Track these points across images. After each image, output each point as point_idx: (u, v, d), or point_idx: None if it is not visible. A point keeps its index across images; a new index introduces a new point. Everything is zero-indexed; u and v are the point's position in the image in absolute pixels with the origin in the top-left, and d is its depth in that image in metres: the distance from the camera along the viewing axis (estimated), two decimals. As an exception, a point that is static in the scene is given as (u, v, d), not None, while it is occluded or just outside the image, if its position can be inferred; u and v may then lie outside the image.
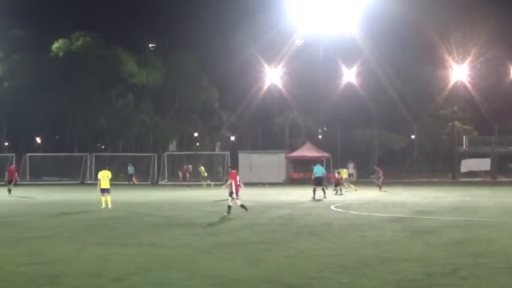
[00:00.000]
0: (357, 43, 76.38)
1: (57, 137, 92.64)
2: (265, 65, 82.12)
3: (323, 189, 40.96)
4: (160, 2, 79.10)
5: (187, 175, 62.60)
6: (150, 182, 68.47)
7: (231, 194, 28.81)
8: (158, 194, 48.83)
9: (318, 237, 20.41)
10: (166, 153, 75.82)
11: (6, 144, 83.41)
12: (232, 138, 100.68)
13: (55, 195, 45.77)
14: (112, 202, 31.98)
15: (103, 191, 32.61)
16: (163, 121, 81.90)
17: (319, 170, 42.26)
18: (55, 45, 79.24)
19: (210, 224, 24.50)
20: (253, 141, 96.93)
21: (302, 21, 72.10)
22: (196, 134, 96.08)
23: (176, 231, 22.30)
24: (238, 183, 29.28)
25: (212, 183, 56.98)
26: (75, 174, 69.13)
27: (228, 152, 73.08)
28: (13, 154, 71.43)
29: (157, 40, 79.50)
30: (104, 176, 32.81)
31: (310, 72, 76.70)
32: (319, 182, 41.56)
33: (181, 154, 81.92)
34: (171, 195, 46.94)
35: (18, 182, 55.34)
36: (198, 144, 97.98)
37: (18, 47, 76.52)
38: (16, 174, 47.76)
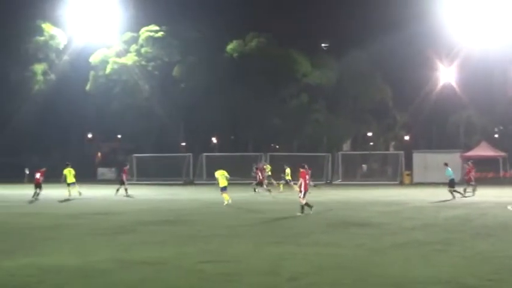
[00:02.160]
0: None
1: (232, 137, 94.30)
2: (439, 63, 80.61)
3: (451, 192, 39.54)
4: (331, 2, 79.10)
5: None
6: (324, 182, 68.63)
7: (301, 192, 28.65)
8: (332, 193, 48.83)
9: (495, 238, 19.90)
10: (340, 152, 75.72)
11: (184, 144, 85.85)
12: (407, 137, 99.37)
13: (233, 194, 46.68)
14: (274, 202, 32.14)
15: (222, 189, 34.67)
16: (337, 121, 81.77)
17: (450, 172, 40.78)
18: (230, 47, 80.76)
19: (384, 224, 24.31)
20: (427, 140, 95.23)
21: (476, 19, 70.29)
22: (370, 134, 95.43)
23: (350, 231, 22.30)
24: (307, 182, 29.12)
25: (276, 182, 55.08)
26: (250, 174, 70.23)
27: (402, 152, 72.22)
28: (190, 154, 73.54)
29: (329, 40, 79.66)
30: (221, 175, 34.92)
31: (485, 71, 74.60)
32: (452, 184, 40.19)
33: (355, 154, 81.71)
34: (345, 195, 46.87)
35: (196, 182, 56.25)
36: (371, 143, 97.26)
37: (194, 49, 78.27)
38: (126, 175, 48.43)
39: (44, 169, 44.39)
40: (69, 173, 43.48)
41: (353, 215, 28.61)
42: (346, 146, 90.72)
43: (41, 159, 65.30)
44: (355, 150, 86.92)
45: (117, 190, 45.54)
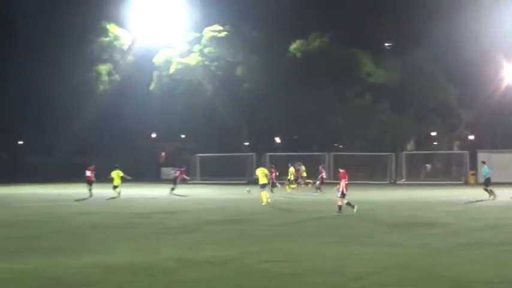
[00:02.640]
0: None
1: (295, 136, 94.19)
2: (504, 61, 79.27)
3: (488, 190, 38.74)
4: (395, 2, 78.34)
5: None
6: (388, 182, 68.24)
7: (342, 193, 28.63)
8: (396, 193, 48.54)
9: None
10: (404, 152, 75.21)
11: (247, 144, 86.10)
12: (471, 137, 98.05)
13: (292, 195, 46.74)
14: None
15: (261, 186, 35.52)
16: (400, 120, 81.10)
17: (486, 171, 39.99)
18: (293, 46, 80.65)
19: (449, 224, 24.06)
20: (492, 140, 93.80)
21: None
22: (434, 133, 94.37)
23: (414, 231, 22.14)
24: (346, 182, 28.91)
25: (310, 181, 54.57)
26: (313, 173, 70.27)
27: (467, 151, 71.39)
28: (253, 154, 73.77)
29: (393, 39, 79.06)
30: (261, 173, 35.61)
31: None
32: (487, 183, 39.35)
33: (419, 153, 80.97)
34: (409, 194, 46.54)
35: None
36: (435, 143, 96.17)
37: (257, 49, 78.39)
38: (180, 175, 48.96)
39: (92, 166, 45.16)
40: (116, 175, 43.92)
41: (417, 215, 28.37)
42: (409, 146, 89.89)
43: (105, 159, 66.19)
44: (418, 150, 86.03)
45: (172, 189, 46.30)
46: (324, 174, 51.83)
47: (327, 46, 78.94)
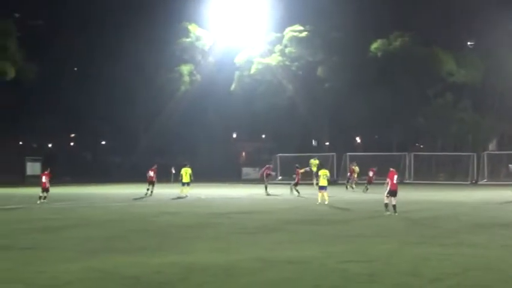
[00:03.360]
0: None
1: (376, 136, 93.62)
2: None
3: None
4: (478, 0, 76.99)
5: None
6: (469, 182, 67.32)
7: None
8: (477, 194, 47.88)
9: None
10: (486, 152, 74.04)
11: (327, 144, 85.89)
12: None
13: (371, 195, 46.53)
14: (414, 201, 31.87)
15: (321, 188, 35.87)
16: (482, 120, 79.85)
17: None
18: (374, 46, 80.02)
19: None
20: None
21: None
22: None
23: (495, 231, 21.89)
24: (394, 181, 28.68)
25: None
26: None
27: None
28: (334, 154, 73.64)
29: (476, 38, 77.87)
30: (324, 175, 36.19)
31: None
32: None
33: (501, 154, 79.57)
34: (492, 195, 45.83)
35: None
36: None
37: (338, 49, 78.09)
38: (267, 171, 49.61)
39: (155, 166, 45.94)
40: (185, 172, 44.50)
41: (499, 216, 28.04)
42: (491, 146, 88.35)
43: (186, 158, 66.87)
44: (501, 150, 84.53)
45: (266, 188, 47.10)
46: (371, 174, 51.82)
47: (409, 45, 78.11)
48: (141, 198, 42.10)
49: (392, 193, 28.68)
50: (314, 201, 35.96)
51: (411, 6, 78.10)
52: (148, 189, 44.54)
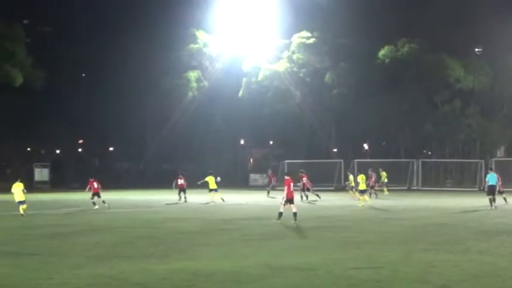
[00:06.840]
0: None
1: (384, 143, 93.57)
2: None
3: (490, 200, 37.36)
4: (485, 6, 76.88)
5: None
6: (477, 189, 67.16)
7: None
8: (486, 200, 47.64)
9: None
10: (493, 159, 73.82)
11: (335, 150, 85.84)
12: None
13: (382, 201, 46.46)
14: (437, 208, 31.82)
15: (361, 192, 39.75)
16: (490, 126, 79.73)
17: (492, 178, 38.34)
18: (381, 52, 79.97)
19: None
20: None
21: None
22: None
23: (503, 238, 21.83)
24: (291, 189, 28.63)
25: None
26: (402, 180, 69.92)
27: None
28: (341, 160, 73.55)
29: (483, 44, 77.82)
30: (362, 179, 40.06)
31: None
32: (491, 191, 37.79)
33: (509, 160, 79.34)
34: (500, 201, 45.64)
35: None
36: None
37: (345, 55, 78.11)
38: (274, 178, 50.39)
39: (184, 172, 47.16)
40: (210, 180, 45.10)
41: (505, 222, 27.96)
42: (499, 152, 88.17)
43: (194, 165, 66.92)
44: (509, 157, 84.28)
45: (268, 192, 47.60)
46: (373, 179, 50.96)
47: (416, 52, 78.11)
48: (176, 203, 43.36)
49: (290, 201, 28.32)
50: (320, 208, 35.95)
51: (419, 13, 77.92)
52: (180, 197, 45.67)
